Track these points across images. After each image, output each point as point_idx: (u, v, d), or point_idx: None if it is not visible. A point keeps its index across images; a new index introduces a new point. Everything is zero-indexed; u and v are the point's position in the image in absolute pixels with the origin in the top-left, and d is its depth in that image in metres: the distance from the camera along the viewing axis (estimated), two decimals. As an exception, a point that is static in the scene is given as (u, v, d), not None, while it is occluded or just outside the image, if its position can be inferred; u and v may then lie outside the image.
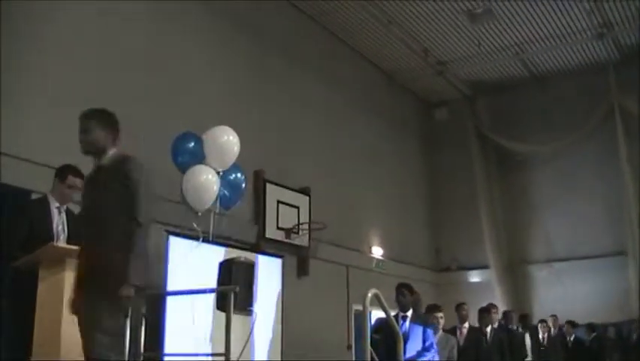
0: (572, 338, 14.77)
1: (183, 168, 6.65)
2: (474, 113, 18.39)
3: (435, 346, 8.31)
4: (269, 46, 12.85)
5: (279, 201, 12.30)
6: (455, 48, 15.91)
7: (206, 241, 6.47)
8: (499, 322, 11.60)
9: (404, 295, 8.35)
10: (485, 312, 11.04)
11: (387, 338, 7.57)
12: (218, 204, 6.60)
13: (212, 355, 6.39)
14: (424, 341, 8.17)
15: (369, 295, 5.75)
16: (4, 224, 5.78)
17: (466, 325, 10.46)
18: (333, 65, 14.94)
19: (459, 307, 10.69)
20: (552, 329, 14.31)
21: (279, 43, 13.13)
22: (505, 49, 16.01)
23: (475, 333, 10.50)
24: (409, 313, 8.33)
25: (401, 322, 8.06)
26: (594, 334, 14.88)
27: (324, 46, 14.77)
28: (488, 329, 10.81)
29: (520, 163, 17.98)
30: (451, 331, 10.07)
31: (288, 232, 12.38)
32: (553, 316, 14.84)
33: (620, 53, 16.33)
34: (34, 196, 6.54)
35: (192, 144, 6.68)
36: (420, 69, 16.87)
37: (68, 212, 5.69)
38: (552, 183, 17.42)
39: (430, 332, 8.27)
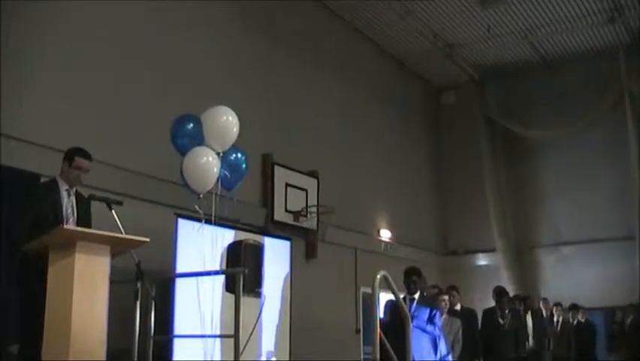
0: (575, 322, 14.76)
1: (183, 151, 6.63)
2: (482, 97, 18.32)
3: (440, 327, 8.36)
4: (277, 30, 12.80)
5: (287, 184, 12.31)
6: (465, 32, 15.82)
7: (209, 223, 6.46)
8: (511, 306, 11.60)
9: (413, 279, 8.39)
10: (504, 294, 11.07)
11: (395, 320, 7.60)
12: (219, 185, 6.59)
13: (222, 336, 6.41)
14: (430, 322, 8.21)
15: (378, 277, 5.76)
16: (13, 208, 5.79)
17: (457, 307, 10.50)
18: (342, 49, 14.88)
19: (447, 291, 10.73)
20: (544, 312, 14.31)
21: (287, 28, 13.08)
22: (514, 33, 15.90)
23: (470, 315, 10.58)
24: (417, 295, 8.37)
25: (408, 304, 8.09)
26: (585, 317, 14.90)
27: (333, 30, 14.71)
28: (507, 311, 10.85)
29: (528, 148, 17.92)
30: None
31: (297, 215, 12.40)
32: (544, 299, 14.85)
33: (630, 38, 16.18)
34: (42, 180, 6.55)
35: (191, 125, 6.66)
36: (429, 53, 16.77)
37: (78, 195, 5.69)
38: (560, 168, 17.37)
39: (437, 314, 8.31)
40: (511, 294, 13.11)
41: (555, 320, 14.35)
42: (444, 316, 9.00)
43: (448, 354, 8.66)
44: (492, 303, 11.27)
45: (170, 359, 8.54)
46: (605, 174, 16.64)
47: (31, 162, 7.73)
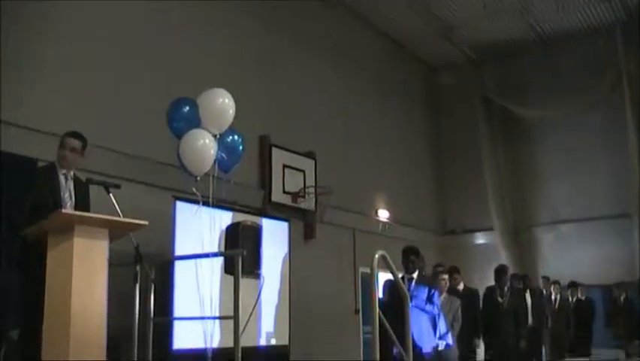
0: (574, 299, 14.84)
1: (179, 134, 6.63)
2: (480, 78, 18.30)
3: (439, 306, 8.39)
4: (275, 14, 12.76)
5: (284, 166, 12.32)
6: (462, 12, 15.76)
7: (206, 205, 6.48)
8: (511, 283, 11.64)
9: (410, 258, 8.40)
10: (503, 273, 11.10)
11: (394, 299, 7.64)
12: (216, 167, 6.59)
13: (221, 318, 6.44)
14: (430, 301, 8.23)
15: (377, 256, 5.79)
16: (12, 194, 5.80)
17: (460, 286, 10.54)
18: (339, 31, 14.85)
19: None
20: (544, 291, 14.38)
21: (284, 10, 13.03)
22: (510, 11, 15.83)
23: (473, 295, 10.62)
24: (415, 275, 8.39)
25: (407, 284, 8.12)
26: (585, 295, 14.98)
27: (330, 12, 14.63)
28: (505, 289, 10.89)
29: (526, 128, 17.93)
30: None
31: (295, 196, 12.42)
32: (545, 277, 14.90)
33: (627, 15, 16.12)
34: (40, 165, 6.55)
35: (187, 108, 6.65)
36: (426, 35, 16.76)
37: (76, 179, 5.69)
38: (558, 148, 17.39)
39: (436, 293, 8.33)
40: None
41: (553, 297, 14.41)
42: (443, 295, 9.02)
43: (447, 333, 8.71)
44: (491, 282, 11.31)
45: (171, 341, 8.60)
46: (602, 154, 16.66)
47: (29, 147, 7.73)
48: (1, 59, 7.58)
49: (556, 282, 14.71)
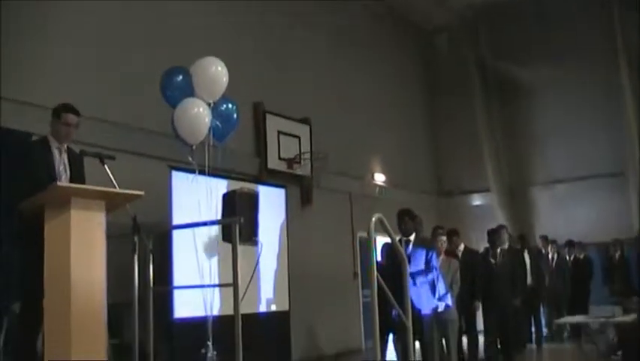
0: (571, 258, 14.92)
1: (173, 103, 6.60)
2: (474, 39, 18.21)
3: (437, 268, 8.40)
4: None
5: (279, 132, 12.31)
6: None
7: (202, 174, 6.47)
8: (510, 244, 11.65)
9: (405, 221, 8.40)
10: (495, 233, 11.11)
11: (392, 263, 7.67)
12: (211, 136, 6.58)
13: (220, 286, 6.47)
14: (428, 263, 8.25)
15: (374, 220, 5.79)
16: (6, 168, 5.77)
17: (461, 247, 10.57)
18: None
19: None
20: (542, 251, 14.44)
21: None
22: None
23: (473, 255, 10.65)
24: (412, 237, 8.39)
25: (404, 246, 8.13)
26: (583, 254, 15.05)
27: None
28: (498, 250, 10.90)
29: (521, 88, 17.87)
30: None
31: (290, 162, 12.42)
32: (543, 237, 14.96)
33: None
34: (34, 139, 6.52)
35: (180, 77, 6.62)
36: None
37: (70, 152, 5.66)
38: (553, 108, 17.35)
39: (433, 254, 8.34)
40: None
41: (550, 257, 14.47)
42: (442, 256, 9.03)
43: (446, 294, 8.71)
44: (505, 244, 11.31)
45: (171, 310, 8.65)
46: (596, 113, 16.64)
47: (22, 121, 7.71)
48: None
49: (553, 241, 14.76)
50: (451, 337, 8.75)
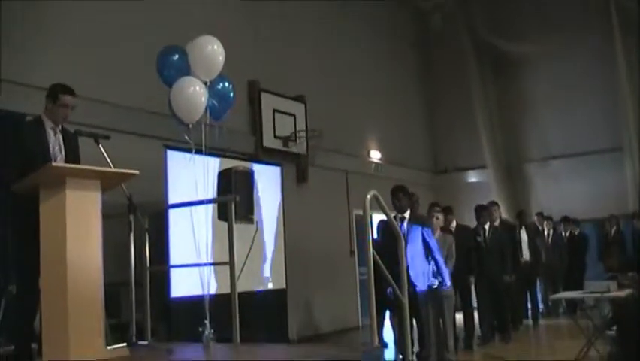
0: (567, 234, 14.96)
1: (170, 82, 6.58)
2: (468, 14, 18.13)
3: (432, 245, 8.41)
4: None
5: (275, 110, 12.28)
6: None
7: (199, 153, 6.46)
8: (500, 219, 11.67)
9: (399, 197, 8.39)
10: (484, 210, 11.12)
11: (387, 239, 7.68)
12: (208, 115, 6.55)
13: (217, 264, 6.48)
14: (423, 240, 8.24)
15: (369, 197, 5.79)
16: (1, 149, 5.74)
17: (453, 224, 10.57)
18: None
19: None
20: (539, 227, 14.47)
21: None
22: None
23: (465, 232, 10.66)
24: (407, 214, 8.39)
25: (399, 223, 8.13)
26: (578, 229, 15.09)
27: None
28: (486, 226, 10.92)
29: (516, 63, 17.84)
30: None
31: (286, 140, 12.41)
32: (539, 213, 14.99)
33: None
34: (27, 119, 6.49)
35: (176, 56, 6.59)
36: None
37: (65, 132, 5.63)
38: (548, 83, 17.34)
39: (428, 231, 8.34)
40: (504, 210, 13.26)
41: (546, 233, 14.52)
42: (437, 233, 9.03)
43: (442, 270, 8.73)
44: (496, 221, 11.32)
45: (168, 289, 8.66)
46: (593, 87, 16.62)
47: (16, 102, 7.67)
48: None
49: (549, 217, 14.80)
50: (446, 313, 8.79)
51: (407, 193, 8.55)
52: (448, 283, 8.75)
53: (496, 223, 11.16)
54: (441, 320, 8.81)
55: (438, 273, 8.66)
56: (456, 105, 18.26)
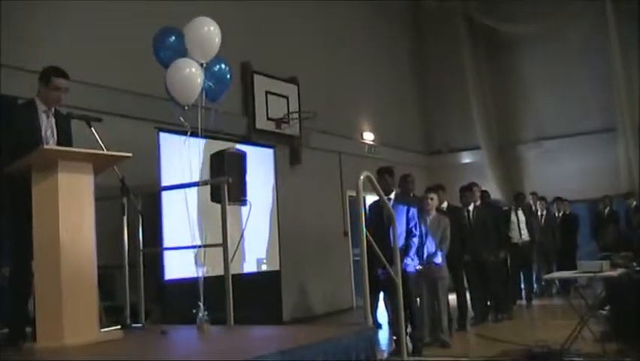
0: (560, 214, 15.02)
1: (166, 63, 6.56)
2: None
3: (419, 226, 8.40)
4: None
5: (267, 92, 12.26)
6: None
7: (194, 135, 6.45)
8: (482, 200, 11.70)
9: (385, 178, 8.34)
10: (467, 190, 11.15)
11: (379, 220, 7.70)
12: (203, 96, 6.54)
13: (210, 246, 6.48)
14: (407, 221, 8.25)
15: (362, 178, 5.81)
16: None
17: (444, 204, 10.57)
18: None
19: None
20: (532, 207, 14.52)
21: None
22: None
23: (457, 212, 10.67)
24: (392, 195, 8.34)
25: None
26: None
27: None
28: (470, 207, 10.93)
29: (510, 43, 17.81)
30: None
31: (279, 122, 12.39)
32: (533, 193, 15.03)
33: None
34: (19, 102, 6.46)
35: (173, 38, 6.57)
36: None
37: (57, 114, 5.61)
38: (541, 63, 17.33)
39: (413, 211, 8.34)
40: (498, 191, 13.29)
41: (540, 213, 14.56)
42: (433, 214, 9.03)
43: (435, 252, 8.76)
44: (477, 201, 11.35)
45: (162, 271, 8.67)
46: (586, 67, 16.62)
47: (6, 84, 7.64)
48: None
49: (542, 198, 14.84)
50: (440, 294, 8.83)
51: (392, 174, 8.50)
52: (442, 264, 8.77)
53: (478, 203, 11.19)
54: (435, 302, 8.86)
55: (431, 254, 8.70)
56: (449, 86, 18.24)
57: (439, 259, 8.77)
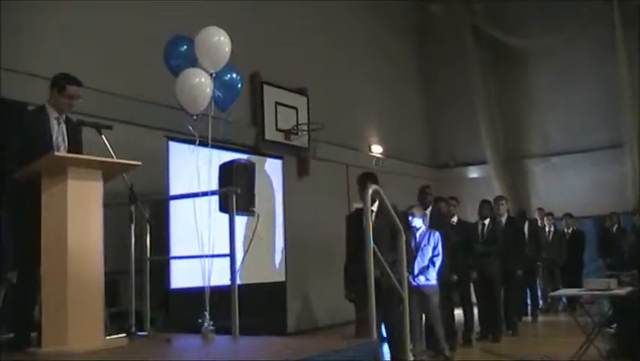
0: (569, 231, 14.95)
1: (176, 72, 6.58)
2: (469, 7, 18.09)
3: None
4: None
5: (277, 103, 12.29)
6: None
7: (202, 144, 6.45)
8: (508, 214, 11.61)
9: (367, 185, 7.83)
10: (486, 203, 11.08)
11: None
12: (212, 105, 6.55)
13: (218, 256, 6.48)
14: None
15: (370, 191, 5.81)
16: (3, 138, 5.74)
17: (454, 219, 10.53)
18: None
19: (446, 201, 10.74)
20: (539, 222, 14.46)
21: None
22: None
23: (466, 226, 10.63)
24: (374, 207, 7.89)
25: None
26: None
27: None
28: (486, 221, 10.87)
29: (517, 56, 17.79)
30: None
31: (287, 133, 12.41)
32: (540, 209, 14.97)
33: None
34: (30, 108, 6.49)
35: (184, 47, 6.59)
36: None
37: (68, 121, 5.63)
38: (549, 77, 17.31)
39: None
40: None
41: (547, 229, 14.52)
42: (422, 229, 8.79)
43: (427, 268, 8.56)
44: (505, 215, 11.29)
45: (168, 280, 8.68)
46: (593, 81, 16.57)
47: (19, 91, 7.67)
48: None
49: (549, 214, 14.80)
50: (431, 310, 8.61)
51: (376, 182, 7.98)
52: (432, 280, 8.57)
53: (504, 218, 11.15)
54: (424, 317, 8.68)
55: (422, 270, 8.52)
56: (456, 99, 18.21)
57: (430, 274, 8.60)
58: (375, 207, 7.51)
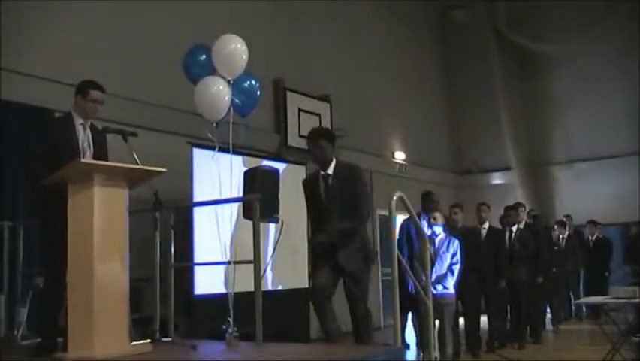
0: (593, 238, 14.82)
1: (196, 81, 6.63)
2: (493, 12, 18.05)
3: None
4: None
5: (300, 110, 12.32)
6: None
7: (223, 151, 6.47)
8: (526, 222, 11.52)
9: (320, 144, 7.52)
10: (512, 210, 11.00)
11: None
12: (232, 112, 6.58)
13: (241, 263, 6.48)
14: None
15: (395, 198, 5.80)
16: (31, 144, 5.81)
17: (486, 225, 10.46)
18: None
19: (477, 207, 10.66)
20: (568, 230, 14.33)
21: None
22: None
23: (496, 233, 10.54)
24: None
25: None
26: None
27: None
28: (514, 228, 10.80)
29: (540, 62, 17.75)
30: (470, 232, 9.93)
31: (310, 139, 12.39)
32: (567, 216, 14.84)
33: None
34: (57, 115, 6.54)
35: (203, 56, 6.63)
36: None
37: (93, 128, 5.69)
38: (573, 83, 17.23)
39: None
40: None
41: (562, 236, 14.39)
42: (441, 235, 8.73)
43: (445, 275, 8.49)
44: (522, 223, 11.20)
45: (192, 286, 8.70)
46: (618, 87, 16.51)
47: (46, 98, 7.75)
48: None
49: (570, 218, 14.66)
50: (445, 320, 8.52)
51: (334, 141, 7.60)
52: (450, 289, 8.48)
53: (522, 226, 11.05)
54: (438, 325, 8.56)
55: (440, 277, 8.45)
56: (480, 105, 18.19)
57: (447, 283, 8.55)
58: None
